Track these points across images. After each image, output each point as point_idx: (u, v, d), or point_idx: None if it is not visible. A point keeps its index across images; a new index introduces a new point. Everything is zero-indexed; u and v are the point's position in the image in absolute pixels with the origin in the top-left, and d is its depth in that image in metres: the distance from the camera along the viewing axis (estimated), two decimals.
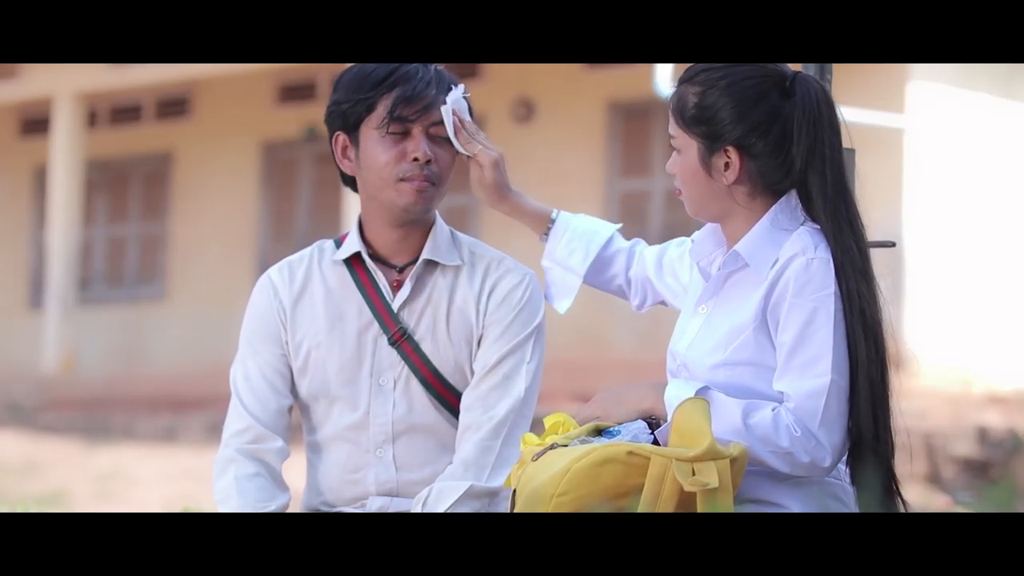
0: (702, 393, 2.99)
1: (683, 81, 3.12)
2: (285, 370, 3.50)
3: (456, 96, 3.41)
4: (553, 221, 3.52)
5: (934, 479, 10.49)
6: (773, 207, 3.09)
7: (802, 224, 3.07)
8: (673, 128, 3.12)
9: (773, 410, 2.98)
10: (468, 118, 3.43)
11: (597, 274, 3.50)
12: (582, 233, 3.50)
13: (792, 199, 3.09)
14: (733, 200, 3.10)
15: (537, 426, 3.19)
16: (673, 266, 3.44)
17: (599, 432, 3.06)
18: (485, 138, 3.45)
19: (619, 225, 3.57)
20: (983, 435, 10.75)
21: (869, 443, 3.02)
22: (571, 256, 3.47)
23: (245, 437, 3.47)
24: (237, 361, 3.55)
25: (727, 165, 3.07)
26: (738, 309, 3.08)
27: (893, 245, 3.84)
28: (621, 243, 3.52)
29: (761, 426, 2.96)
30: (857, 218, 3.06)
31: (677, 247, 3.47)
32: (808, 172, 3.05)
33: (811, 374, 2.99)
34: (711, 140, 3.07)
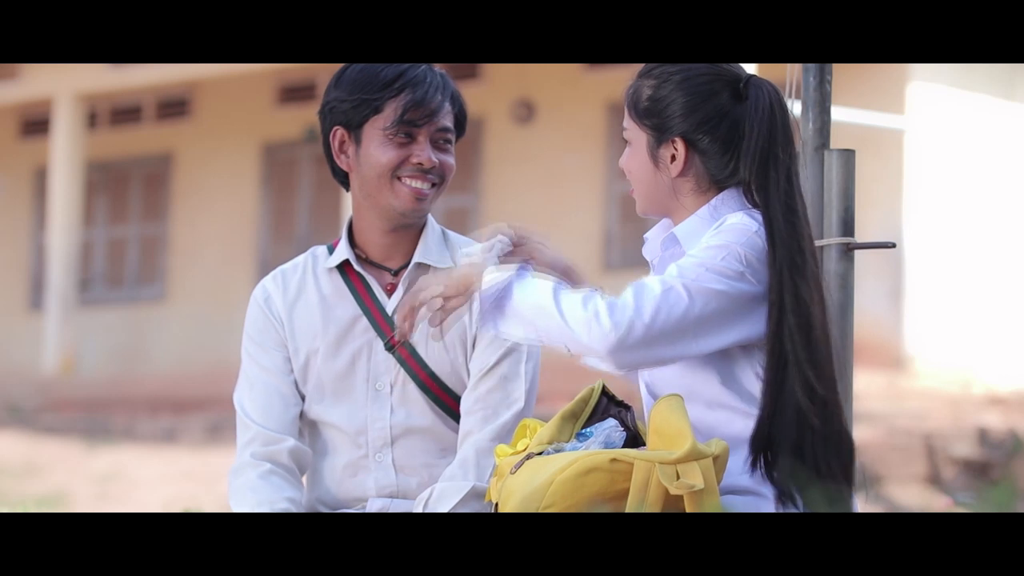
0: (520, 273, 2.99)
1: (640, 76, 3.20)
2: (290, 375, 3.49)
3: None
4: None
5: (934, 480, 10.50)
6: (716, 196, 3.13)
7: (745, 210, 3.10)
8: (626, 121, 3.20)
9: (588, 293, 2.97)
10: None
11: None
12: None
13: (737, 192, 3.13)
14: (678, 195, 3.15)
15: None
16: None
17: (573, 419, 3.05)
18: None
19: None
20: (983, 436, 10.76)
21: (792, 443, 2.99)
22: None
23: (255, 444, 3.45)
24: (240, 378, 3.52)
25: (673, 157, 3.14)
26: None
27: (893, 246, 3.84)
28: None
29: (570, 296, 2.94)
30: (804, 219, 3.08)
31: None
32: (758, 173, 3.08)
33: (674, 270, 2.98)
34: (660, 132, 3.14)
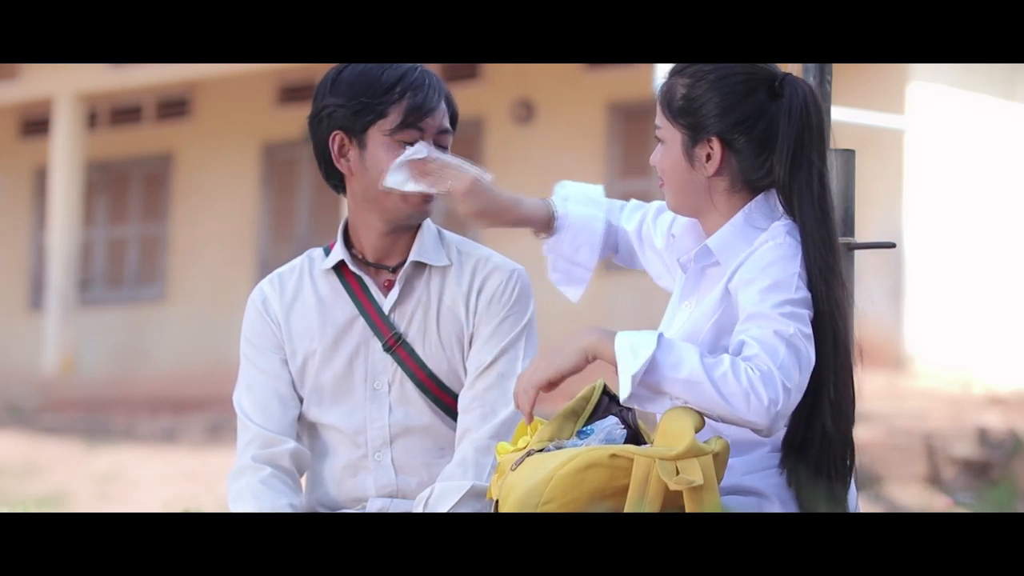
0: (661, 343, 2.91)
1: (673, 74, 3.17)
2: (288, 377, 3.49)
3: (415, 151, 3.37)
4: (557, 222, 3.45)
5: (934, 480, 10.50)
6: (749, 204, 3.11)
7: (779, 220, 3.09)
8: (659, 119, 3.17)
9: (730, 358, 2.94)
10: (437, 154, 3.37)
11: (604, 255, 3.49)
12: (582, 227, 3.46)
13: (771, 198, 3.11)
14: (712, 194, 3.13)
15: None
16: (650, 234, 3.43)
17: (574, 417, 3.05)
18: (460, 164, 3.36)
19: (604, 205, 3.53)
20: (983, 436, 10.76)
21: (817, 442, 3.01)
22: (578, 252, 3.45)
23: (254, 445, 3.45)
24: (239, 380, 3.53)
25: (709, 156, 3.11)
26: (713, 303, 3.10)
27: (893, 246, 3.84)
28: (612, 218, 3.51)
29: (719, 366, 2.91)
30: (832, 223, 3.08)
31: (655, 214, 3.46)
32: (791, 174, 3.07)
33: (776, 320, 2.95)
34: (695, 131, 3.11)
